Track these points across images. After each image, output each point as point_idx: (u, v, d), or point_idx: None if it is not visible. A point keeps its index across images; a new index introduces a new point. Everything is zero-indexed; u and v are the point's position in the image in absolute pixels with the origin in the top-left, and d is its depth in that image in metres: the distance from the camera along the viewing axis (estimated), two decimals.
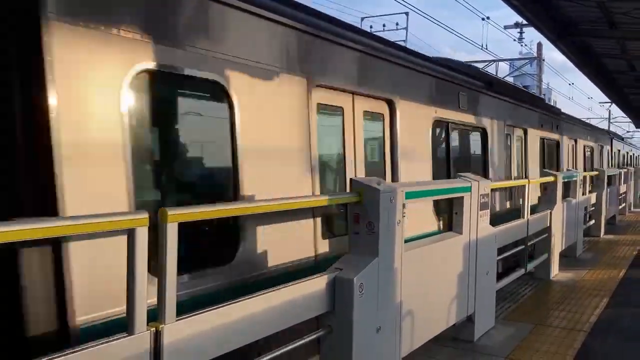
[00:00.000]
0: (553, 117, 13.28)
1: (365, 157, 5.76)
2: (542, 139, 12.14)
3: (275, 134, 4.52)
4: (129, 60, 3.34)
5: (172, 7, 3.69)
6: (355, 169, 5.57)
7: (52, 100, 2.91)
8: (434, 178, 6.94)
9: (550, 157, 12.90)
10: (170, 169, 4.05)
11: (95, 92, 3.17)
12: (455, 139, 8.01)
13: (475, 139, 8.78)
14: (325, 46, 5.10)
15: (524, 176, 10.60)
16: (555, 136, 13.28)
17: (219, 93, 4.03)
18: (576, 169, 14.80)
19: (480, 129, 8.69)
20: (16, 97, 2.93)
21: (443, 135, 7.53)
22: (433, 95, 7.06)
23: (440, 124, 7.37)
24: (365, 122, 5.76)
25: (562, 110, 14.88)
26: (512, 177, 10.25)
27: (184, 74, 3.73)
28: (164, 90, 3.85)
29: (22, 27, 2.95)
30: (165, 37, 3.58)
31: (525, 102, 11.09)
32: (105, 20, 3.21)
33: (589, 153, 17.95)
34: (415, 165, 6.58)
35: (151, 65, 3.47)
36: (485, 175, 8.53)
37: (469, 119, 8.16)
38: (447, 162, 7.65)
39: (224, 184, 4.25)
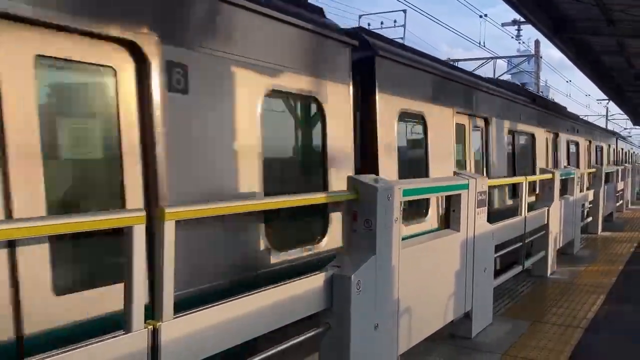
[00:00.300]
0: (574, 123, 16.15)
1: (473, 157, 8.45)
2: (567, 141, 14.69)
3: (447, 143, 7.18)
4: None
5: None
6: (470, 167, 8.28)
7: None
8: (514, 173, 9.87)
9: (572, 155, 15.44)
10: None
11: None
12: (517, 142, 10.76)
13: (529, 142, 11.46)
14: (461, 87, 7.85)
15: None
16: (575, 138, 15.81)
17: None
18: (591, 164, 17.42)
19: (530, 134, 11.39)
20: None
21: (512, 140, 10.29)
22: (511, 113, 10.01)
23: (514, 133, 10.31)
24: (473, 133, 8.47)
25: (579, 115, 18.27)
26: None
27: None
28: None
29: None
30: None
31: (555, 111, 13.83)
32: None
33: (599, 152, 20.96)
34: (501, 162, 9.38)
35: None
36: (533, 167, 11.20)
37: (526, 128, 10.95)
38: (513, 159, 10.25)
39: None
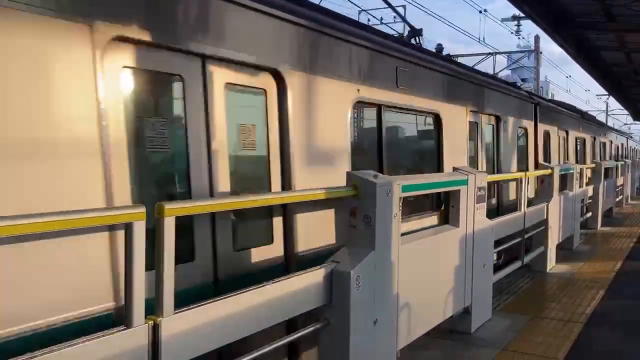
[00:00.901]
0: (602, 127, 22.39)
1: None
2: (602, 143, 20.68)
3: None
4: None
5: None
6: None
7: None
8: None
9: (599, 153, 19.87)
10: None
11: None
12: (579, 146, 16.06)
13: (582, 144, 16.61)
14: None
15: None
16: (603, 139, 21.16)
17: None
18: (610, 159, 20.82)
19: (583, 139, 16.56)
20: None
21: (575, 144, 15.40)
22: (575, 124, 15.22)
23: (578, 139, 15.93)
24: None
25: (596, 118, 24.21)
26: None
27: None
28: None
29: None
30: None
31: (591, 120, 20.11)
32: None
33: (615, 150, 25.34)
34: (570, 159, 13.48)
35: None
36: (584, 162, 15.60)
37: (582, 134, 16.47)
38: (576, 157, 14.91)
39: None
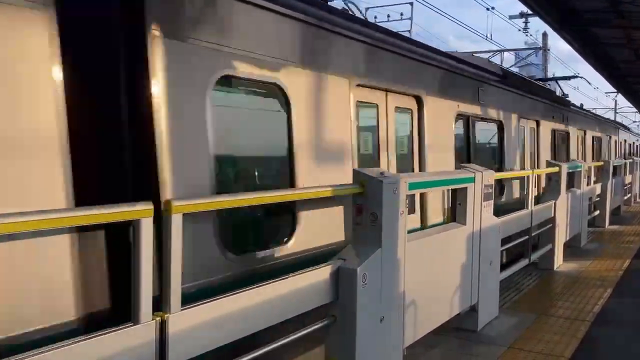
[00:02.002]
0: (625, 130, 28.00)
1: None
2: (630, 144, 26.51)
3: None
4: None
5: None
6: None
7: None
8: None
9: (624, 152, 24.86)
10: None
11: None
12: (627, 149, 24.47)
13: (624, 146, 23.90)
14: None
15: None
16: (631, 141, 27.65)
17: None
18: (629, 158, 22.66)
19: (625, 142, 25.40)
20: None
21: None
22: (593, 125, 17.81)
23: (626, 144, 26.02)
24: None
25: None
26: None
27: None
28: None
29: None
30: None
31: (624, 127, 27.92)
32: None
33: (635, 148, 30.86)
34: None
35: None
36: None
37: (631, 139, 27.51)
38: (592, 155, 17.19)
39: None
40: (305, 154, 4.40)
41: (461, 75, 7.49)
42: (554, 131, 12.31)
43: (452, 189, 5.72)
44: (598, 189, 13.05)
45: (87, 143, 2.99)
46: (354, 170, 4.24)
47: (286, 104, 4.27)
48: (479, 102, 8.06)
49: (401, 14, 23.48)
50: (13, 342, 2.53)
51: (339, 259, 3.96)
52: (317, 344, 4.21)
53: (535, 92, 11.18)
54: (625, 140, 26.18)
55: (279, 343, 3.48)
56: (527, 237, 8.03)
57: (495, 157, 9.16)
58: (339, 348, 3.92)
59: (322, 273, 3.78)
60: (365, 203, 4.09)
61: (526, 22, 35.35)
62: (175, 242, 2.75)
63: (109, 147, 3.23)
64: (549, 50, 30.15)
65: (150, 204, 2.62)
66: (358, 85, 5.18)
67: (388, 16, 24.11)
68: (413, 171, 6.28)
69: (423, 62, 6.40)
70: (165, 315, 2.74)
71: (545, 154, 11.65)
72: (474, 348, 5.47)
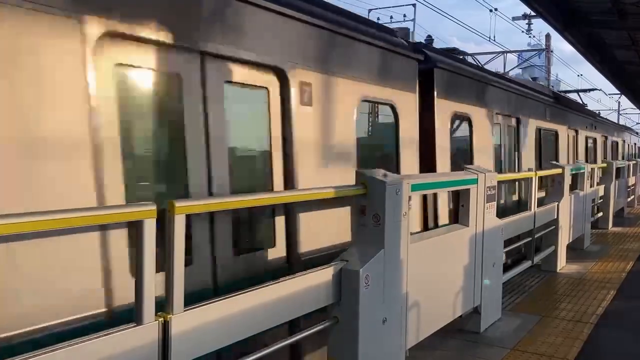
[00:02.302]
0: (636, 134, 30.87)
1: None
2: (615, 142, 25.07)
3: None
4: None
5: None
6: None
7: None
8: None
9: (634, 153, 26.88)
10: None
11: None
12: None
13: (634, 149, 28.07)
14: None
15: None
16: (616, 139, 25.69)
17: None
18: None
19: (635, 145, 28.79)
20: None
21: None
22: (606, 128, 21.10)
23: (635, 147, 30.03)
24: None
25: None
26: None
27: None
28: None
29: None
30: None
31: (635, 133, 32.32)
32: None
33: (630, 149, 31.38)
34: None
35: None
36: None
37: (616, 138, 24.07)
38: (604, 154, 19.47)
39: None
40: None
41: (541, 102, 11.73)
42: (586, 138, 16.44)
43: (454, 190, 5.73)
44: (601, 190, 13.01)
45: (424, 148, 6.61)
46: (357, 171, 4.24)
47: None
48: (546, 119, 11.99)
49: (404, 15, 23.54)
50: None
51: (342, 260, 3.96)
52: (319, 346, 4.21)
53: (574, 108, 15.47)
54: (635, 144, 31.24)
55: (281, 344, 3.48)
56: (529, 238, 8.01)
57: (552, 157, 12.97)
58: (341, 349, 3.92)
59: (324, 274, 3.78)
60: (368, 204, 4.09)
61: (529, 24, 35.30)
62: (178, 242, 2.75)
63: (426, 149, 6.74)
64: (552, 51, 30.12)
65: (154, 205, 2.62)
66: None
67: (391, 17, 24.16)
68: None
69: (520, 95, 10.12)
70: (168, 316, 2.74)
71: (582, 155, 15.71)
72: (477, 350, 5.46)
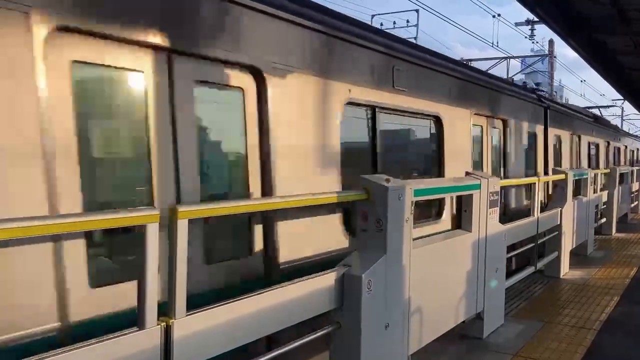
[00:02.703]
0: (625, 133, 31.29)
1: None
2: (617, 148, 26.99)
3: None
4: None
5: None
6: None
7: None
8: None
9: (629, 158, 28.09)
10: None
11: None
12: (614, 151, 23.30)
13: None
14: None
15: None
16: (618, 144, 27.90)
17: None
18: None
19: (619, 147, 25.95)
20: None
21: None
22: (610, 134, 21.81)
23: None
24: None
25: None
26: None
27: None
28: None
29: None
30: None
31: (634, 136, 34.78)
32: None
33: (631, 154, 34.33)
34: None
35: None
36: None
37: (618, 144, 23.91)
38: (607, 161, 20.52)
39: None
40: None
41: (589, 123, 15.84)
42: (614, 147, 20.35)
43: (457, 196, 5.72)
44: (605, 196, 12.98)
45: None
46: (360, 177, 4.24)
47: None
48: (593, 134, 16.17)
49: (407, 21, 23.58)
50: None
51: (344, 265, 3.95)
52: (321, 351, 4.20)
53: (604, 124, 20.22)
54: None
55: (283, 350, 3.47)
56: (533, 244, 8.00)
57: (595, 164, 16.72)
58: (343, 355, 3.91)
59: (327, 279, 3.78)
60: (370, 209, 4.09)
61: (532, 30, 35.30)
62: (180, 246, 2.76)
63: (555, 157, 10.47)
64: (555, 57, 30.10)
65: (157, 210, 2.63)
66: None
67: (394, 23, 24.20)
68: None
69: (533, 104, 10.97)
70: (170, 321, 2.75)
71: (611, 161, 19.44)
72: (479, 356, 5.44)
